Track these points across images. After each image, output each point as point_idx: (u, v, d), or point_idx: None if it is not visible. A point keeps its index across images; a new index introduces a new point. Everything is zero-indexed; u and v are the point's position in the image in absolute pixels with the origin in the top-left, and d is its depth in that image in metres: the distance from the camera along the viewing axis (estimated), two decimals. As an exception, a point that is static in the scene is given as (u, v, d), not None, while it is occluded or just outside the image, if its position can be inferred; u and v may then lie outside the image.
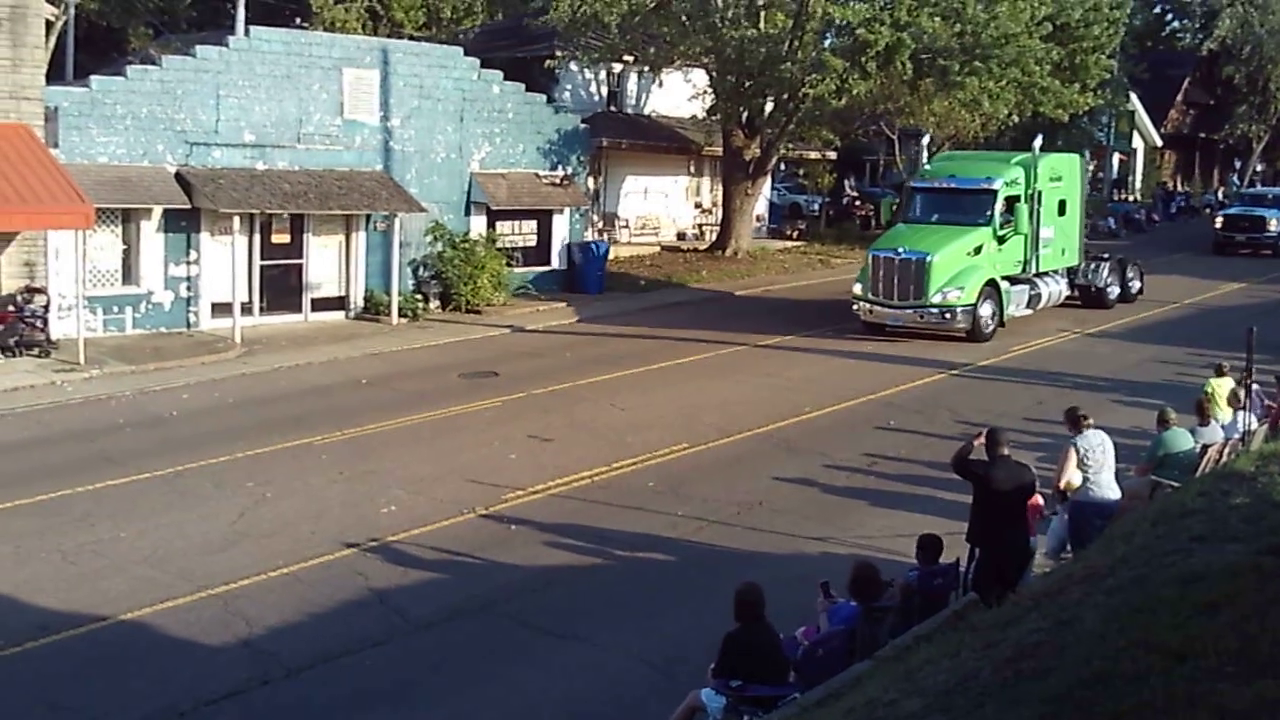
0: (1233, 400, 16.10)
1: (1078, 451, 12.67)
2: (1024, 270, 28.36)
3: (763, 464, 17.71)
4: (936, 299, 26.38)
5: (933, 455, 17.96)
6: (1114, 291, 31.63)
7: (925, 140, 33.27)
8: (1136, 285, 32.66)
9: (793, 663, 9.79)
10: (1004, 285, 27.36)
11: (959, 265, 26.71)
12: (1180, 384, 20.96)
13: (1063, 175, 30.07)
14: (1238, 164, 70.28)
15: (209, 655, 11.62)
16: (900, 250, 27.06)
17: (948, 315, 26.46)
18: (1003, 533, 11.06)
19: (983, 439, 11.32)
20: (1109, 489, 12.68)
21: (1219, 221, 46.61)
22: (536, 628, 12.31)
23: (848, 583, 10.56)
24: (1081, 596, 8.17)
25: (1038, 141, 29.33)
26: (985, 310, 26.84)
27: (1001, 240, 27.47)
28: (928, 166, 31.13)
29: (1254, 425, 15.42)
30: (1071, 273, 30.73)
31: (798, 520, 15.25)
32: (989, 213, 27.44)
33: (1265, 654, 6.17)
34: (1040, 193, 28.30)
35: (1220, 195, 63.72)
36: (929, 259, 26.45)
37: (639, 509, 15.62)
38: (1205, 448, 14.27)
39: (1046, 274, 29.36)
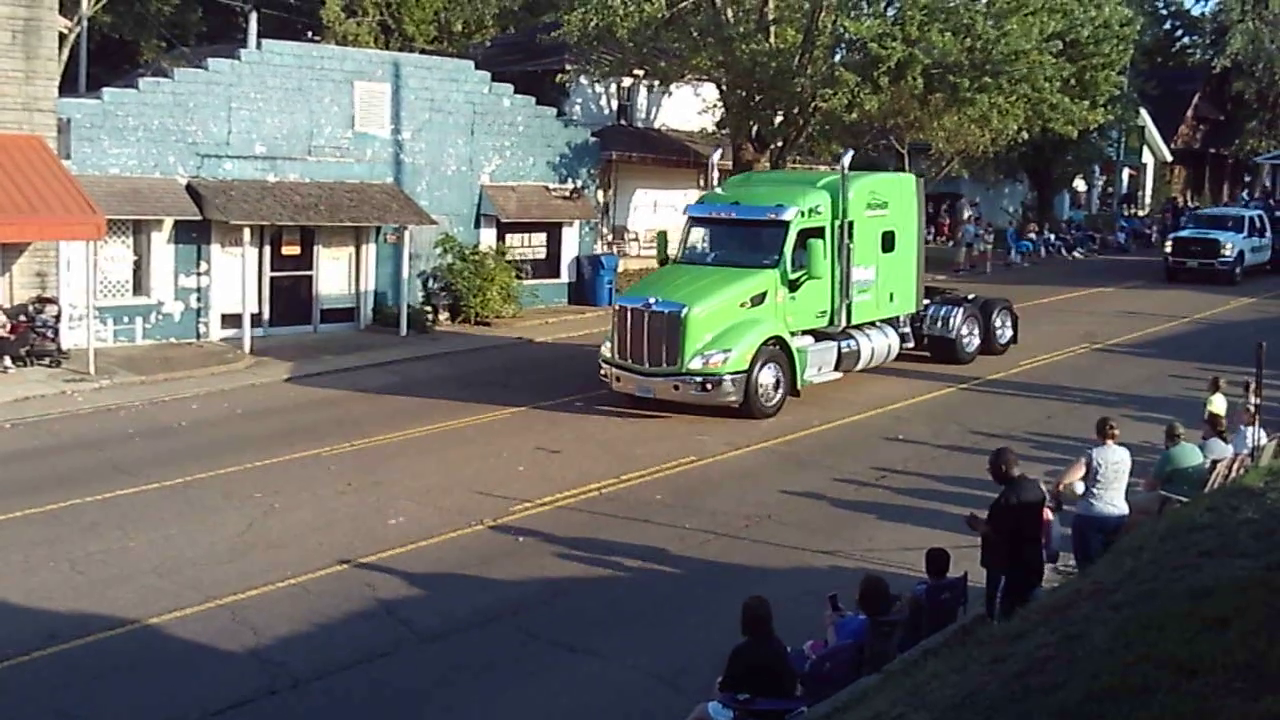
0: (1244, 415, 16.07)
1: (1090, 462, 12.64)
2: (831, 322, 22.50)
3: (771, 477, 17.70)
4: (695, 364, 20.47)
5: (941, 469, 17.97)
6: (972, 343, 25.91)
7: (716, 156, 26.50)
8: (1006, 334, 26.99)
9: (800, 676, 9.78)
10: (797, 343, 21.61)
11: (728, 320, 20.88)
12: (1190, 398, 20.90)
13: (888, 201, 23.90)
14: (1248, 179, 70.24)
15: (217, 665, 11.63)
16: (652, 300, 21.11)
17: (710, 386, 20.42)
18: (1026, 553, 11.01)
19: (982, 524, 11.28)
20: (1112, 504, 12.62)
21: (1169, 245, 41.69)
22: (544, 640, 12.30)
23: (856, 596, 10.55)
24: (1090, 611, 8.16)
25: (846, 159, 23.45)
26: (765, 377, 20.93)
27: (794, 286, 21.56)
28: (718, 190, 24.66)
29: (1263, 440, 15.39)
30: (916, 321, 25.19)
31: (806, 534, 15.24)
32: (778, 251, 21.58)
33: (1273, 669, 6.16)
34: (852, 224, 22.41)
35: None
36: (685, 312, 20.60)
37: (647, 522, 15.62)
38: (1214, 463, 14.24)
39: (868, 326, 23.49)
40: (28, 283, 24.13)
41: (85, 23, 37.83)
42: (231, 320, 26.53)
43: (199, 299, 26.79)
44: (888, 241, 23.74)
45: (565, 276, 33.48)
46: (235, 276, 26.31)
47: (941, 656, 9.25)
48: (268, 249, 27.57)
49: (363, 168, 28.83)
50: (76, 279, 24.43)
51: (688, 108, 39.80)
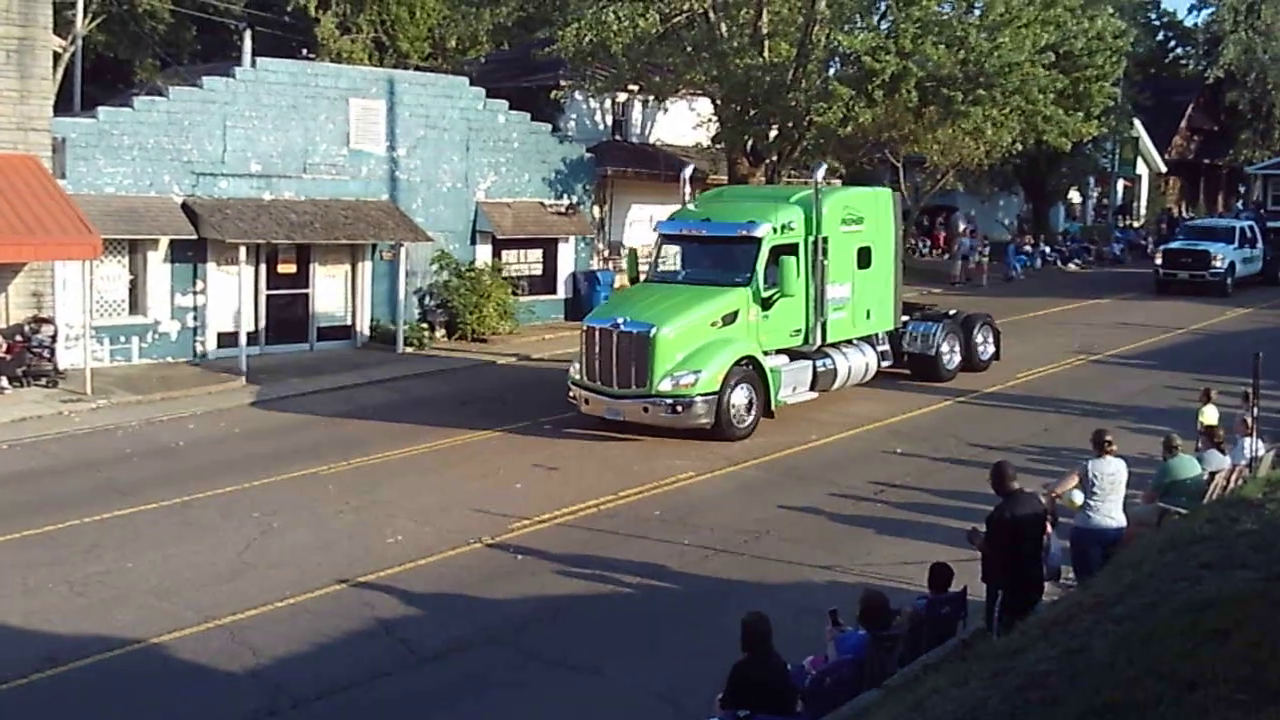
0: (1241, 426, 16.08)
1: (1086, 474, 12.66)
2: (806, 341, 22.02)
3: (769, 492, 17.69)
4: (665, 385, 20.00)
5: (939, 483, 17.97)
6: (953, 360, 25.35)
7: (687, 172, 25.66)
8: (988, 350, 26.44)
9: (801, 692, 9.77)
10: (771, 363, 21.15)
11: (698, 340, 20.40)
12: (1188, 410, 20.88)
13: (864, 216, 23.44)
14: (1243, 189, 70.42)
15: (217, 686, 11.60)
16: (620, 321, 20.66)
17: (680, 408, 19.93)
18: (1026, 568, 10.99)
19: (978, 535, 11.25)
20: (1109, 516, 12.62)
21: (1159, 257, 41.56)
22: (543, 659, 12.28)
23: (857, 612, 10.54)
24: (1090, 625, 8.15)
25: (819, 173, 23.05)
26: (738, 398, 20.43)
27: (767, 304, 21.13)
28: (689, 206, 24.09)
29: (1261, 451, 15.39)
30: (894, 337, 24.71)
31: (805, 549, 15.22)
32: (750, 269, 21.13)
33: (1275, 682, 6.15)
34: (826, 240, 21.92)
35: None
36: (653, 332, 20.12)
37: (646, 538, 15.60)
38: (1213, 474, 14.24)
39: (845, 344, 23.03)
40: (24, 303, 24.11)
41: (80, 42, 37.90)
42: (228, 339, 26.53)
43: (195, 318, 26.77)
44: (864, 257, 23.28)
45: (562, 292, 33.50)
46: (231, 295, 26.30)
47: (942, 671, 9.24)
48: (264, 267, 27.57)
49: (358, 185, 28.86)
50: (72, 299, 24.42)
51: (683, 123, 39.84)
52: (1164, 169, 64.97)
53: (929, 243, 51.89)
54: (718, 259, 21.81)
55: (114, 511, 16.46)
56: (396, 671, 11.94)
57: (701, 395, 19.98)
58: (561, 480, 18.30)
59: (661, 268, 22.82)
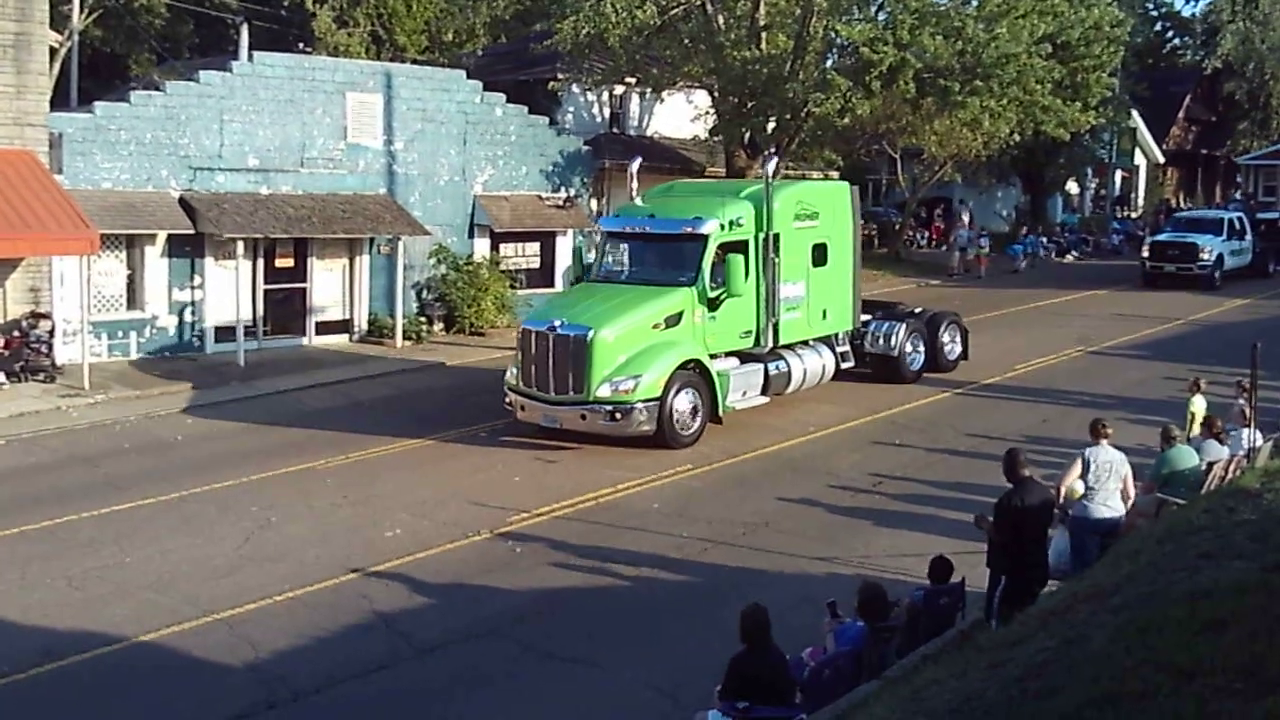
0: (1239, 416, 16.08)
1: (1084, 462, 12.67)
2: (757, 343, 20.96)
3: (767, 484, 17.69)
4: (603, 391, 19.01)
5: (937, 474, 17.97)
6: (916, 360, 24.30)
7: (635, 166, 24.02)
8: (955, 350, 25.32)
9: (799, 684, 9.77)
10: (719, 366, 20.14)
11: (639, 343, 19.40)
12: (1185, 401, 20.90)
13: (819, 211, 22.30)
14: (1240, 180, 70.43)
15: (215, 679, 11.61)
16: (557, 323, 19.66)
17: (619, 415, 18.95)
18: (1030, 556, 10.99)
19: (987, 521, 11.25)
20: (1105, 505, 12.59)
21: (1146, 250, 40.60)
22: (542, 651, 12.28)
23: (855, 603, 10.54)
24: (1088, 615, 8.15)
25: (770, 166, 22.12)
26: (682, 404, 19.44)
27: (713, 304, 20.06)
28: (636, 201, 22.73)
29: (1259, 442, 15.38)
30: (856, 337, 23.60)
31: (803, 541, 15.22)
32: (696, 268, 20.11)
33: (1273, 672, 6.15)
34: (778, 236, 20.81)
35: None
36: (591, 335, 19.13)
37: (644, 530, 15.61)
38: (1211, 465, 14.24)
39: (800, 345, 21.99)
40: (21, 298, 24.08)
41: (76, 37, 37.90)
42: (226, 333, 26.49)
43: (193, 312, 26.73)
44: (819, 255, 22.22)
45: (560, 286, 33.41)
46: (229, 289, 26.28)
47: (940, 662, 9.24)
48: (261, 261, 27.52)
49: (355, 179, 28.81)
50: (70, 294, 24.40)
51: (680, 115, 39.85)
52: (1162, 160, 64.93)
53: (927, 234, 51.84)
54: (662, 257, 20.89)
55: (112, 506, 16.45)
56: (395, 664, 11.95)
57: (642, 401, 19.03)
58: (559, 473, 18.30)
59: (605, 267, 21.91)
